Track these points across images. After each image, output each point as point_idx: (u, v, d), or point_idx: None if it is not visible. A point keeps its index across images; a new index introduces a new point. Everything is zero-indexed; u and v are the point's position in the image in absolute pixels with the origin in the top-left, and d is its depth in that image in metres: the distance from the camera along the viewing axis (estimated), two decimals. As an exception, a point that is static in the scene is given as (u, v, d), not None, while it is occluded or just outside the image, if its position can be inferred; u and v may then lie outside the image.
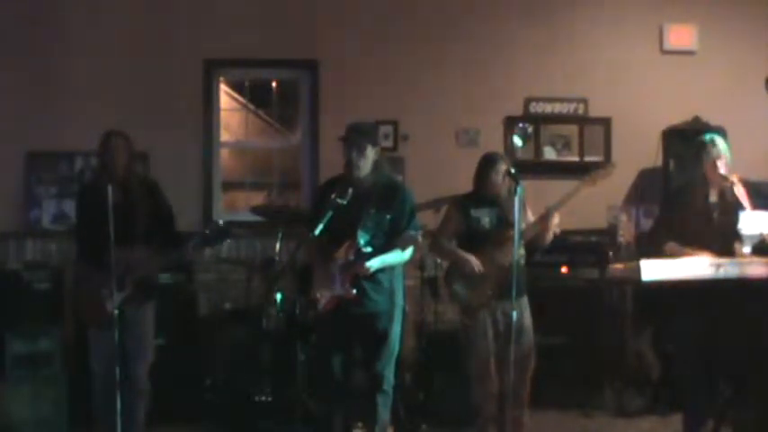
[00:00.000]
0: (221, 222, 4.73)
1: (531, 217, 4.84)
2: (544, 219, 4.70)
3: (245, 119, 8.19)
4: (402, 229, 4.27)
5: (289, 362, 5.26)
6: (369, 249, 4.25)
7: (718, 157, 4.48)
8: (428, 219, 5.22)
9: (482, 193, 4.88)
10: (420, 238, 4.29)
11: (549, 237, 4.80)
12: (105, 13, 6.46)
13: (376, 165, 4.39)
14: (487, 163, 4.88)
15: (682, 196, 4.64)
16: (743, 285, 4.18)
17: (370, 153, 4.35)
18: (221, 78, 6.88)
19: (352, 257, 4.25)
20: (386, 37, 6.64)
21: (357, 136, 4.35)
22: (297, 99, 6.88)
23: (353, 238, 4.26)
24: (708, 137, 4.64)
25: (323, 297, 4.30)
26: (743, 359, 4.38)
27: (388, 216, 4.31)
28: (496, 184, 4.83)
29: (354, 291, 4.24)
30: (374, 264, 4.23)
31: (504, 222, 4.76)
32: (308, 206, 5.59)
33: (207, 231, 4.58)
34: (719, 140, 4.58)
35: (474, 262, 4.74)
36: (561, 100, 6.77)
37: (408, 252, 4.39)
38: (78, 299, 4.69)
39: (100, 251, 4.29)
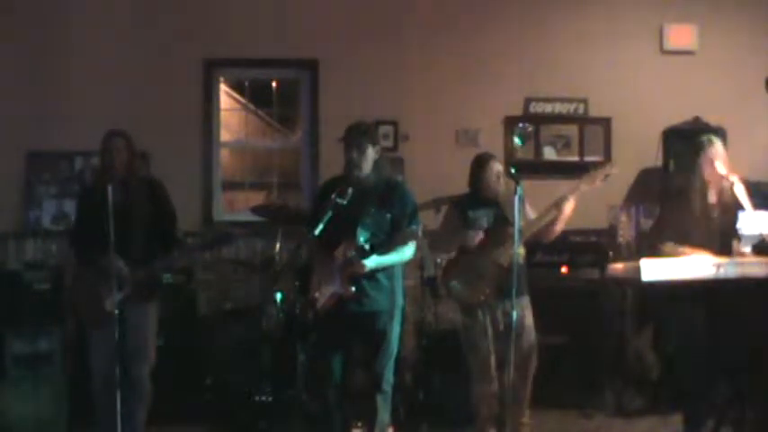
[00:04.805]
0: (226, 230, 4.71)
1: (531, 214, 4.83)
2: (559, 205, 4.69)
3: (245, 119, 8.18)
4: (403, 227, 4.27)
5: (289, 362, 5.26)
6: (367, 247, 4.25)
7: (715, 156, 4.48)
8: (428, 219, 5.22)
9: (479, 193, 4.89)
10: (420, 233, 4.29)
11: (557, 231, 4.80)
12: (105, 13, 6.46)
13: (376, 165, 4.39)
14: (480, 164, 4.90)
15: (681, 196, 4.64)
16: (743, 285, 4.18)
17: (371, 153, 4.36)
18: (221, 78, 6.88)
19: (350, 255, 4.25)
20: (386, 37, 6.64)
21: (357, 136, 4.36)
22: (297, 99, 6.88)
23: (353, 236, 4.26)
24: (704, 137, 4.65)
25: (321, 295, 4.30)
26: (743, 359, 4.38)
27: (389, 215, 4.31)
28: (491, 184, 4.84)
29: (353, 288, 4.24)
30: (370, 262, 4.22)
31: (503, 221, 4.76)
32: (308, 206, 5.59)
33: (206, 237, 4.58)
34: (716, 140, 4.59)
35: (471, 235, 4.74)
36: (561, 100, 6.77)
37: (410, 250, 4.38)
38: (77, 299, 4.68)
39: (100, 251, 4.29)
